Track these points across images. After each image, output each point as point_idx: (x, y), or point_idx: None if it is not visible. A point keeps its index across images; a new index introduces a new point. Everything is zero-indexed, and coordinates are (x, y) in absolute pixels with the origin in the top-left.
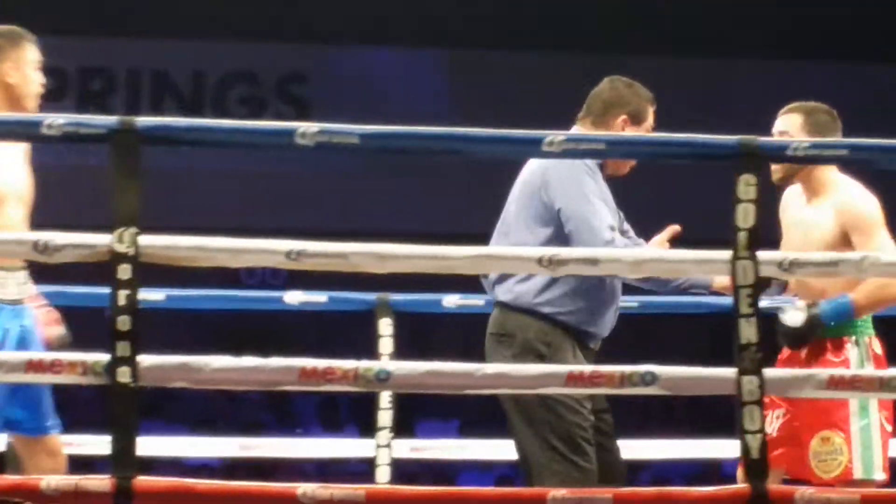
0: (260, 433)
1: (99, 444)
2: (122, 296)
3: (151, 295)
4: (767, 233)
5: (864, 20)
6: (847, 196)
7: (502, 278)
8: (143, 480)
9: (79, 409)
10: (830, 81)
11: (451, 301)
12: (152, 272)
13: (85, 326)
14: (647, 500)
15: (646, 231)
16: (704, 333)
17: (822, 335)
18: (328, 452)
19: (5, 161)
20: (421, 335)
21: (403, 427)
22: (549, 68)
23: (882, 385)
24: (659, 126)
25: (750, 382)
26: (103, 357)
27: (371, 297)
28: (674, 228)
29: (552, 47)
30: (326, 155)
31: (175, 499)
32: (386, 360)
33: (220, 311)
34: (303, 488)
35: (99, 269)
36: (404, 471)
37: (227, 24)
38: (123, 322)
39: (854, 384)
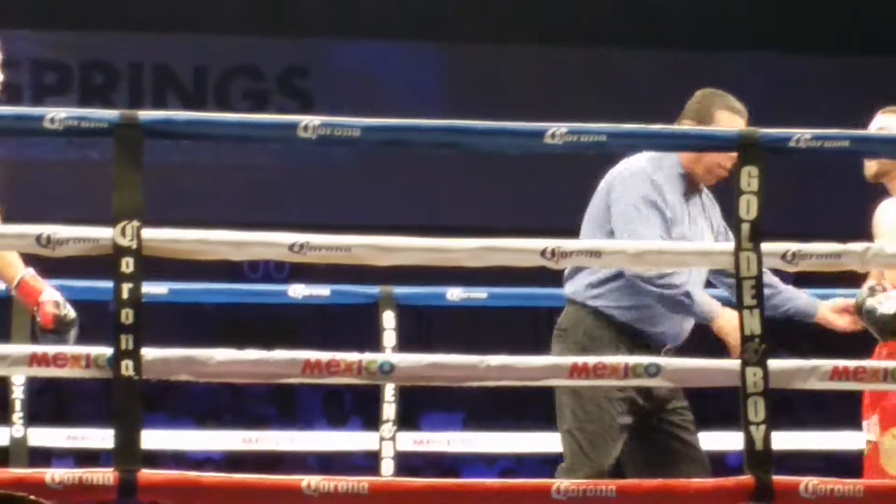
0: (264, 426)
1: (103, 439)
2: (125, 289)
3: (155, 288)
4: (769, 225)
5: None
6: None
7: (571, 273)
8: (147, 473)
9: (83, 402)
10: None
11: (455, 294)
12: (158, 266)
13: (88, 320)
14: (650, 491)
15: None
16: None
17: None
18: (332, 446)
19: None
20: (424, 328)
21: (408, 420)
22: (548, 62)
23: (886, 376)
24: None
25: (754, 374)
26: (107, 350)
27: (374, 290)
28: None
29: (550, 42)
30: (330, 148)
31: (179, 492)
32: (389, 353)
33: (223, 305)
34: (307, 481)
35: (103, 263)
36: (408, 464)
37: (229, 18)
38: (126, 315)
39: (858, 376)
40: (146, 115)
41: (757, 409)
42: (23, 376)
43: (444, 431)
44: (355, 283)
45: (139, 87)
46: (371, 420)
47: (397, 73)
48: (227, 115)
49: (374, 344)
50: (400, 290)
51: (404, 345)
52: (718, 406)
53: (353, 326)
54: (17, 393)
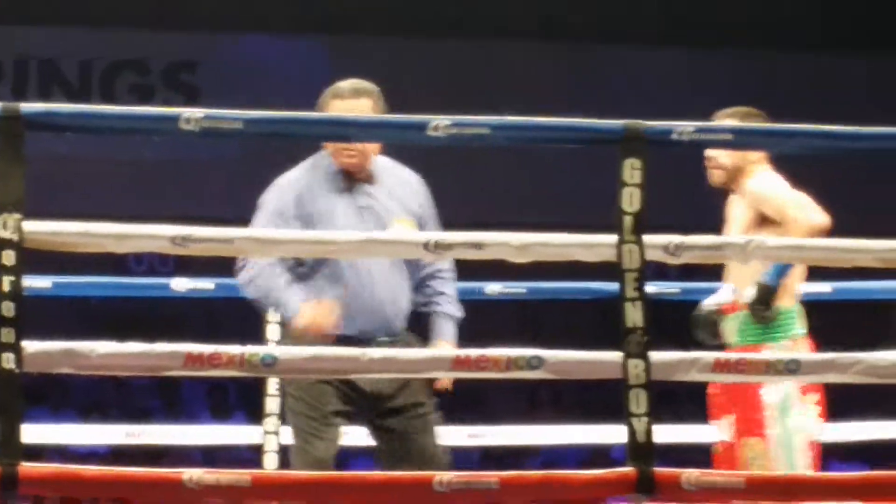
0: (148, 420)
1: None
2: (6, 282)
3: (38, 282)
4: (653, 217)
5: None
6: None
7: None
8: (29, 467)
9: None
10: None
11: None
12: (48, 258)
13: None
14: (533, 483)
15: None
16: (591, 318)
17: (772, 296)
18: (216, 439)
19: None
20: None
21: None
22: (432, 54)
23: (767, 368)
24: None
25: (636, 366)
26: None
27: None
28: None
29: (436, 33)
30: (214, 141)
31: (61, 485)
32: (272, 346)
33: (108, 299)
34: (188, 473)
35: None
36: None
37: (114, 12)
38: (7, 308)
39: (739, 367)
40: (28, 107)
41: (639, 401)
42: None
43: None
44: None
45: (24, 82)
46: (256, 414)
47: (283, 67)
48: (109, 107)
49: (260, 338)
50: None
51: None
52: (602, 398)
53: (238, 321)
54: None
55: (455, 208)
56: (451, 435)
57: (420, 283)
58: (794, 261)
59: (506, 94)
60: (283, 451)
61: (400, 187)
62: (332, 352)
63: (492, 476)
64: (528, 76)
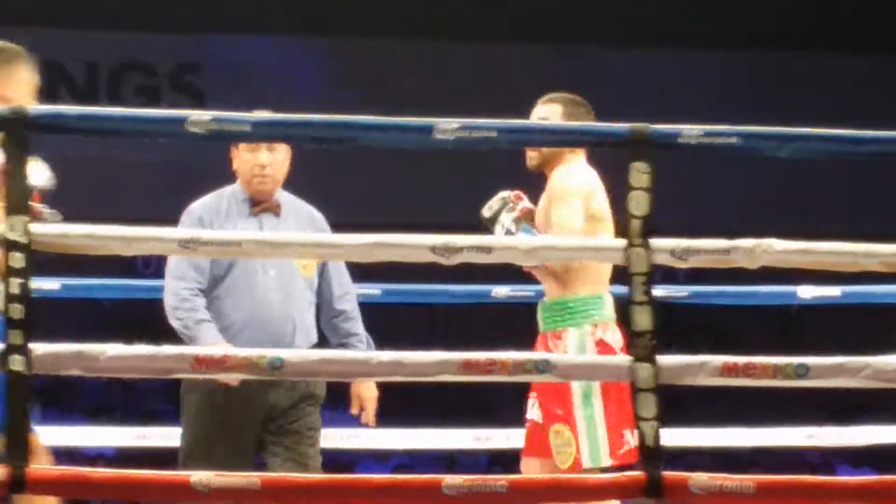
0: (156, 422)
1: None
2: (15, 284)
3: (46, 284)
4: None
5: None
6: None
7: None
8: (37, 469)
9: None
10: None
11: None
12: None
13: None
14: (542, 487)
15: None
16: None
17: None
18: None
19: None
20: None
21: None
22: (431, 56)
23: (776, 373)
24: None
25: (644, 370)
26: None
27: None
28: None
29: (435, 36)
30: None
31: (68, 487)
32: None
33: (116, 301)
34: (197, 476)
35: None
36: None
37: (121, 15)
38: (16, 310)
39: (748, 371)
40: (35, 109)
41: (648, 406)
42: None
43: (339, 428)
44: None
45: None
46: None
47: (286, 69)
48: (116, 109)
49: None
50: None
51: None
52: None
53: None
54: None
55: (460, 211)
56: (458, 438)
57: (329, 322)
58: (803, 265)
59: (502, 95)
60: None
61: (307, 223)
62: (339, 355)
63: (500, 479)
64: (517, 77)
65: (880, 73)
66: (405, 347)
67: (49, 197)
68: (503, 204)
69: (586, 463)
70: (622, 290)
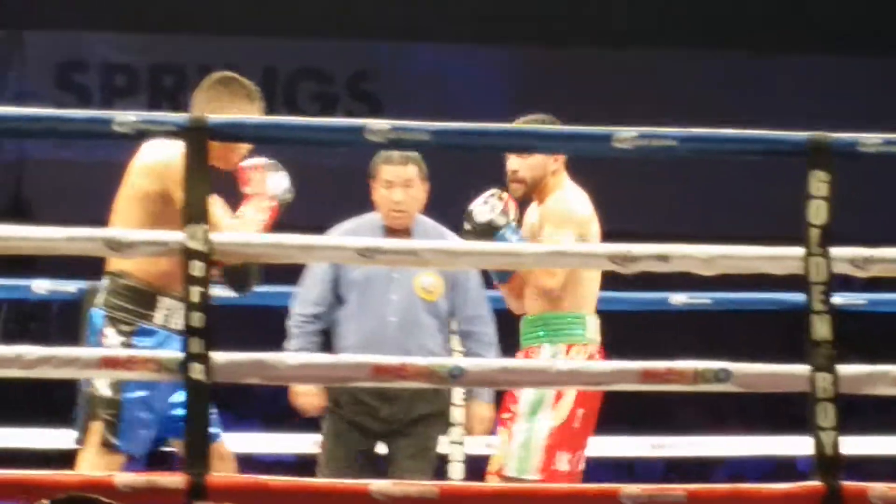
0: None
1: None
2: (195, 292)
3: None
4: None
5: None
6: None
7: None
8: (217, 477)
9: None
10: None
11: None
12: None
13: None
14: (721, 497)
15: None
16: (777, 330)
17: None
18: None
19: None
20: None
21: None
22: (611, 65)
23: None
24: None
25: (823, 379)
26: (177, 354)
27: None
28: None
29: (611, 44)
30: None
31: (248, 495)
32: (459, 358)
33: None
34: (376, 485)
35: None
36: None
37: (299, 21)
38: (196, 319)
39: None
40: (215, 118)
41: (826, 415)
42: None
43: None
44: None
45: None
46: None
47: (464, 77)
48: (295, 118)
49: None
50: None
51: None
52: (788, 411)
53: None
54: None
55: (637, 219)
56: (635, 446)
57: (462, 343)
58: None
59: (681, 104)
60: (469, 461)
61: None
62: (518, 364)
63: (679, 489)
64: (694, 86)
65: None
66: None
67: (286, 207)
68: (500, 207)
69: (510, 472)
70: (799, 297)
